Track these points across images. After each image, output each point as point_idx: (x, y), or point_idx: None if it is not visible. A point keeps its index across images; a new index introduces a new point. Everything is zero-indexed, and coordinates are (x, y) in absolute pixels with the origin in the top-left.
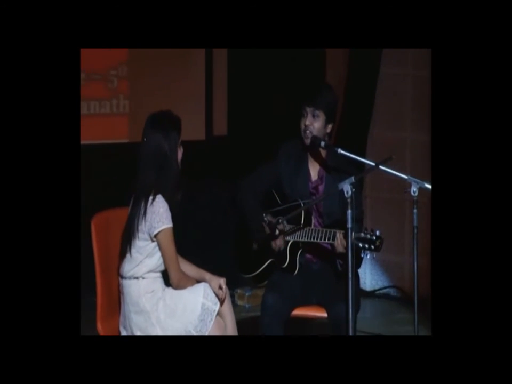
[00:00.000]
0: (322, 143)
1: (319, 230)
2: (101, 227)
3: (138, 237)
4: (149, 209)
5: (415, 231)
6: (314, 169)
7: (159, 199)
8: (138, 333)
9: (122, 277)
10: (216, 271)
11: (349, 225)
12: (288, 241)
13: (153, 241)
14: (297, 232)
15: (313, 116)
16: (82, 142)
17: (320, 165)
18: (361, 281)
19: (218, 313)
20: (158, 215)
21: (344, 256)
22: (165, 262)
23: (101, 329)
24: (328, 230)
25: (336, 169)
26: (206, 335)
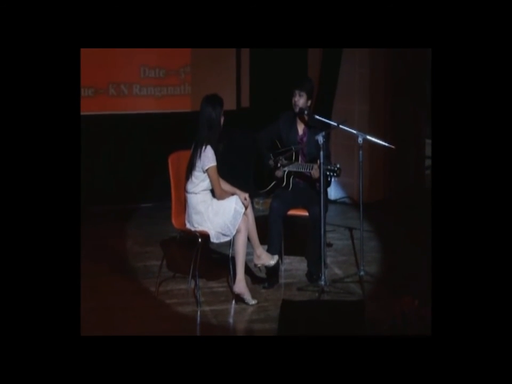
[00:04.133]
0: (305, 112)
1: (303, 164)
2: (174, 161)
3: (196, 169)
4: (203, 153)
5: (361, 164)
6: (300, 128)
7: (209, 147)
8: (196, 225)
9: (187, 192)
10: (243, 188)
11: (321, 160)
12: (285, 170)
13: (204, 172)
14: (290, 165)
15: (299, 95)
16: (164, 110)
17: (304, 125)
18: (328, 193)
19: (244, 214)
20: (208, 157)
21: (317, 179)
22: (211, 184)
23: (174, 222)
24: (309, 164)
25: (313, 127)
26: (236, 227)
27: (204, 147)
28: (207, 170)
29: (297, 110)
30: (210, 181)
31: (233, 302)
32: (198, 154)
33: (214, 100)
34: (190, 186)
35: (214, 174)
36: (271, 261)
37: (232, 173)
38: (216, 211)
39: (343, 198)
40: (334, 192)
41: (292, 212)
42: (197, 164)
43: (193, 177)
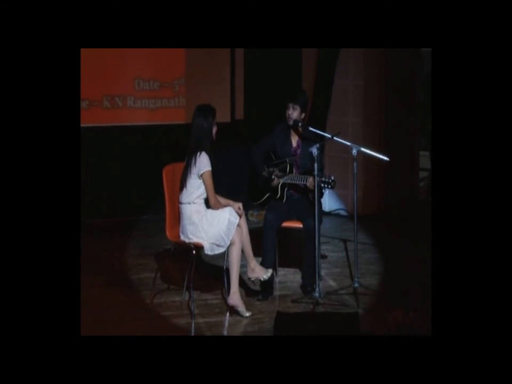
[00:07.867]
0: (299, 124)
1: (298, 176)
2: (169, 173)
3: (191, 177)
4: (198, 159)
5: (355, 176)
6: (294, 140)
7: (203, 153)
8: (191, 236)
9: (181, 203)
10: (237, 199)
11: (315, 172)
12: (279, 182)
13: (200, 178)
14: (285, 177)
15: (293, 108)
16: (158, 122)
17: (298, 137)
18: (323, 205)
19: (238, 225)
20: (203, 162)
21: (312, 191)
22: (206, 190)
23: (169, 234)
24: (304, 176)
25: (307, 139)
26: (230, 238)
27: (198, 153)
28: (202, 175)
29: (291, 122)
30: (205, 186)
31: (228, 314)
32: (193, 162)
33: (205, 110)
34: (184, 197)
35: (209, 179)
36: (265, 275)
37: (226, 185)
38: (211, 222)
39: (337, 210)
40: (328, 204)
41: (286, 224)
42: (192, 171)
43: (188, 186)
